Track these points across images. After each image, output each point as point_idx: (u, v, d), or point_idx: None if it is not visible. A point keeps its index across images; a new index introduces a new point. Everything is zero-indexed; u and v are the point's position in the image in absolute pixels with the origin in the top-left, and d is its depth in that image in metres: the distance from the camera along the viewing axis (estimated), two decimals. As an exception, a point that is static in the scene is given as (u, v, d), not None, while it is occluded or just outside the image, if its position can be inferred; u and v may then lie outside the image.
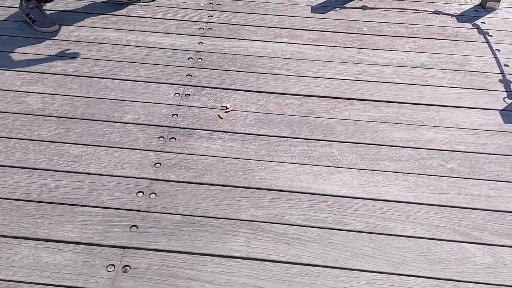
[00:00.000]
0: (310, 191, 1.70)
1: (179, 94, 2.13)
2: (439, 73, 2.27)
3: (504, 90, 2.16)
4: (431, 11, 2.75)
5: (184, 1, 2.80)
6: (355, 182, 1.73)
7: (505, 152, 1.86)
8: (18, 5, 2.62)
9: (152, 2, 2.75)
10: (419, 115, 2.04)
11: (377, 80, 2.23)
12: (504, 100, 2.10)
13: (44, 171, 1.73)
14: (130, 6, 2.71)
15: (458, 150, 1.87)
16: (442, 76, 2.25)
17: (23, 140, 1.85)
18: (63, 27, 2.52)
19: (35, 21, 2.45)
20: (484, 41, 2.51)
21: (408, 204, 1.65)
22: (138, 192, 1.67)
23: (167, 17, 2.64)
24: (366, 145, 1.89)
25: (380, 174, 1.76)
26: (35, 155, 1.79)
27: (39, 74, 2.19)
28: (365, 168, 1.78)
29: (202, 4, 2.77)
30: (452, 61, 2.36)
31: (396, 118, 2.02)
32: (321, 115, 2.04)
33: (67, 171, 1.73)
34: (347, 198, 1.67)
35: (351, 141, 1.91)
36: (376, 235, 1.55)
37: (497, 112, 2.04)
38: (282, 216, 1.61)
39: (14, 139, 1.85)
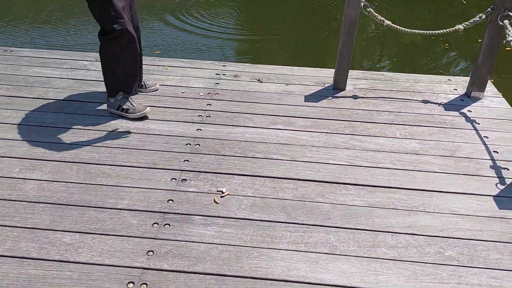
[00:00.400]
0: (307, 281, 1.65)
1: (176, 180, 2.15)
2: (430, 159, 2.32)
3: (496, 176, 2.20)
4: (419, 100, 2.89)
5: (184, 91, 2.94)
6: (353, 271, 1.69)
7: (502, 239, 1.84)
8: (17, 94, 2.74)
9: (154, 92, 2.89)
10: (413, 200, 2.05)
11: (370, 166, 2.27)
12: (496, 186, 2.13)
13: (34, 260, 1.69)
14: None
15: (455, 237, 1.85)
16: (433, 162, 2.30)
17: (16, 228, 1.83)
18: (65, 114, 2.61)
19: (128, 110, 2.59)
20: (472, 128, 2.60)
21: (409, 294, 1.60)
22: (129, 282, 1.62)
23: (168, 106, 2.76)
24: (362, 231, 1.87)
25: (378, 262, 1.72)
26: (26, 244, 1.75)
27: (38, 160, 2.22)
28: (363, 256, 1.75)
29: (201, 94, 2.91)
30: (443, 148, 2.42)
31: (391, 203, 2.03)
32: (317, 199, 2.05)
33: (58, 260, 1.69)
34: (345, 288, 1.62)
35: (347, 226, 1.89)
36: (377, 329, 1.48)
37: (491, 198, 2.06)
38: (278, 308, 1.54)
39: (6, 227, 1.83)
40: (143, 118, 2.60)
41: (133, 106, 2.60)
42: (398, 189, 2.12)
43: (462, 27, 2.72)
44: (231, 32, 5.44)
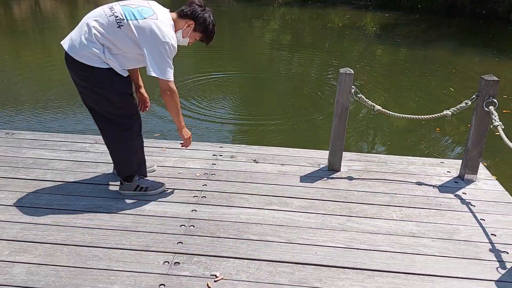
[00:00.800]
0: None
1: (168, 263, 2.09)
2: (428, 242, 2.29)
3: (496, 259, 2.16)
4: (413, 182, 2.92)
5: (181, 171, 2.97)
6: None
7: (510, 328, 1.75)
8: (14, 176, 2.76)
9: (151, 172, 2.91)
10: (413, 285, 1.98)
11: (368, 248, 2.23)
12: (497, 270, 2.08)
13: None
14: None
15: (460, 325, 1.76)
16: (432, 245, 2.26)
17: (-2, 315, 1.74)
18: (61, 195, 2.61)
19: (148, 188, 2.64)
20: (468, 210, 2.60)
21: None
22: None
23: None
24: (362, 319, 1.78)
25: None
26: (8, 332, 1.66)
27: (29, 243, 2.18)
28: None
29: (197, 174, 2.94)
30: (440, 230, 2.40)
31: (391, 289, 1.96)
32: (314, 284, 1.98)
33: None
34: None
35: (346, 315, 1.81)
36: None
37: (493, 283, 2.00)
38: None
39: (-12, 314, 1.74)
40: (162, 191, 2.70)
41: (152, 183, 2.67)
42: (398, 274, 2.06)
43: (450, 113, 2.84)
44: (228, 116, 5.63)
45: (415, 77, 7.60)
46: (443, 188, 2.86)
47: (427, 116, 2.90)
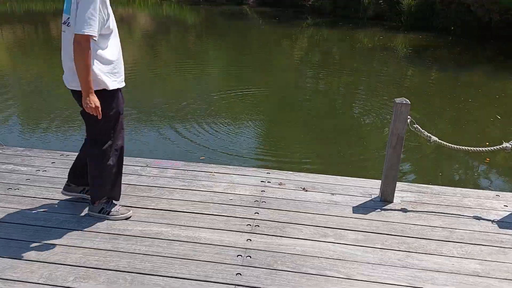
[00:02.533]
0: None
1: (230, 295, 2.08)
2: (495, 283, 2.21)
3: None
4: (470, 216, 2.84)
5: (231, 198, 2.98)
6: None
7: None
8: (77, 199, 2.83)
9: (201, 198, 2.93)
10: (486, 330, 1.91)
11: (432, 288, 2.17)
12: None
13: None
14: (181, 202, 2.88)
15: None
16: (498, 286, 2.18)
17: None
18: (119, 221, 2.65)
19: (110, 212, 2.64)
20: (533, 248, 2.51)
21: None
22: None
23: (216, 213, 2.78)
24: None
25: None
26: None
27: (93, 269, 2.21)
28: None
29: (248, 202, 2.94)
30: (505, 270, 2.32)
31: (462, 333, 1.89)
32: (380, 325, 1.93)
33: None
34: None
35: None
36: None
37: None
38: None
39: None
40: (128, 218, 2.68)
41: (117, 208, 2.68)
42: (467, 316, 1.99)
43: (510, 146, 2.77)
44: (272, 140, 5.65)
45: (457, 103, 7.38)
46: (503, 223, 2.77)
47: (487, 148, 2.83)
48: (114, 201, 2.71)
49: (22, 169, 3.24)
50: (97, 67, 2.33)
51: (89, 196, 2.70)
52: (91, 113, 2.33)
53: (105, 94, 2.39)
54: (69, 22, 2.29)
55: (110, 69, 2.40)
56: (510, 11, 14.43)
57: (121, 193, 2.74)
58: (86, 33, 2.17)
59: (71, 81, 2.38)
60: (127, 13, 21.59)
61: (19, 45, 11.80)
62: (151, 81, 8.44)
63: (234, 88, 8.06)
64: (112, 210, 2.66)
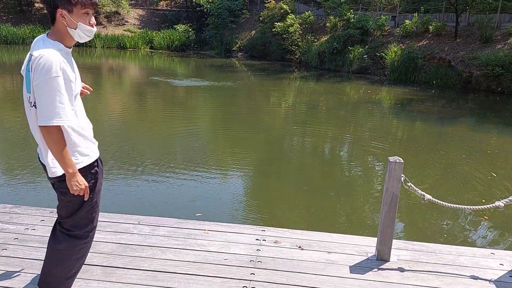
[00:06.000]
0: None
1: None
2: None
3: None
4: (467, 276, 2.81)
5: (226, 257, 2.92)
6: None
7: None
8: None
9: (197, 258, 2.86)
10: None
11: None
12: None
13: None
14: (175, 262, 2.80)
15: None
16: None
17: None
18: (110, 283, 2.55)
19: None
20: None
21: None
22: None
23: (211, 274, 2.70)
24: None
25: None
26: None
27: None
28: None
29: (243, 261, 2.87)
30: (508, 334, 2.27)
31: None
32: None
33: None
34: None
35: None
36: None
37: None
38: None
39: None
40: None
41: None
42: None
43: (503, 204, 2.81)
44: (268, 194, 5.63)
45: (449, 158, 7.42)
46: (500, 284, 2.74)
47: (478, 206, 2.86)
48: None
49: (10, 227, 3.15)
50: (74, 146, 2.11)
51: None
52: (79, 194, 2.10)
53: (86, 170, 2.17)
54: (35, 104, 2.00)
55: (84, 139, 2.17)
56: (489, 66, 15.18)
57: (113, 253, 2.66)
58: (55, 124, 1.96)
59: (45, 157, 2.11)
60: (117, 64, 22.02)
61: (3, 94, 11.84)
62: (137, 131, 8.48)
63: (224, 142, 8.12)
64: None
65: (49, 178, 2.16)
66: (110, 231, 3.17)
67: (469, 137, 9.09)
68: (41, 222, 3.25)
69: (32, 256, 2.79)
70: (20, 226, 3.17)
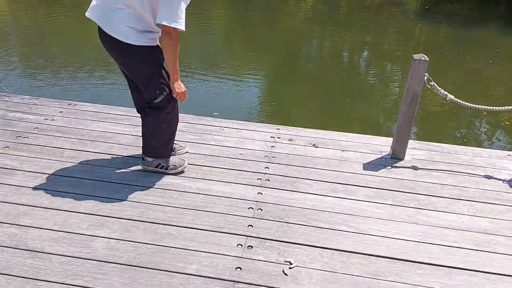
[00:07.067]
0: None
1: (242, 246, 2.10)
2: (505, 241, 2.23)
3: None
4: (481, 175, 2.83)
5: (241, 152, 2.96)
6: None
7: None
8: (82, 148, 2.81)
9: (211, 152, 2.91)
10: (494, 286, 1.94)
11: (442, 244, 2.19)
12: None
13: (106, 325, 1.63)
14: (192, 155, 2.87)
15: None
16: (509, 244, 2.20)
17: (87, 288, 1.79)
18: (130, 171, 2.64)
19: (169, 167, 2.62)
20: (543, 208, 2.51)
21: None
22: None
23: (227, 167, 2.77)
24: (445, 317, 1.76)
25: None
26: (98, 306, 1.71)
27: (106, 218, 2.22)
28: None
29: (259, 157, 2.92)
30: (516, 228, 2.33)
31: (471, 288, 1.92)
32: (390, 278, 1.96)
33: (130, 327, 1.63)
34: None
35: (428, 311, 1.79)
36: None
37: None
38: None
39: (78, 287, 1.80)
40: (181, 172, 2.66)
41: (173, 163, 2.64)
42: (476, 272, 2.01)
43: (528, 105, 2.71)
44: (284, 96, 5.57)
45: (476, 63, 7.06)
46: (514, 183, 2.76)
47: (504, 107, 2.77)
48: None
49: (30, 117, 3.21)
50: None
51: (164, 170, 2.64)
52: (178, 98, 2.41)
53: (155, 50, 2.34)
54: None
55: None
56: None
57: (131, 144, 2.71)
58: (177, 28, 2.14)
59: (116, 32, 2.22)
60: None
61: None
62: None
63: (240, 43, 7.86)
64: (170, 164, 2.63)
65: (116, 55, 2.32)
66: (128, 124, 3.21)
67: (498, 42, 8.62)
68: (59, 113, 3.30)
69: (53, 145, 2.87)
70: (39, 117, 3.23)
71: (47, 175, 2.54)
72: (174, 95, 2.39)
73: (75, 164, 2.67)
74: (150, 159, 2.60)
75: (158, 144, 2.55)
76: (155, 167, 2.62)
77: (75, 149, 2.83)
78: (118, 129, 3.11)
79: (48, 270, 1.87)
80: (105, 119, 3.25)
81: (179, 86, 2.37)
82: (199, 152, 2.91)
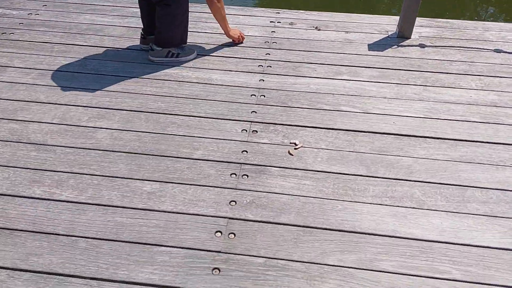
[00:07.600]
0: (397, 235, 1.60)
1: (246, 131, 2.08)
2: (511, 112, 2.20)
3: None
4: (491, 50, 2.71)
5: (240, 38, 2.82)
6: (445, 226, 1.62)
7: None
8: (73, 42, 2.67)
9: (208, 40, 2.77)
10: (499, 155, 1.95)
11: (448, 118, 2.16)
12: None
13: (118, 208, 1.67)
14: (188, 42, 2.73)
15: (549, 192, 1.76)
16: (516, 115, 2.18)
17: (95, 176, 1.81)
18: (124, 63, 2.54)
19: (179, 54, 2.56)
20: (553, 79, 2.44)
21: (507, 251, 1.54)
22: (216, 231, 1.60)
23: (226, 55, 2.65)
24: (449, 185, 1.79)
25: (471, 218, 1.66)
26: (108, 192, 1.74)
27: (105, 110, 2.18)
28: (453, 211, 1.68)
29: (258, 43, 2.78)
30: (524, 100, 2.28)
31: (476, 158, 1.93)
32: (395, 153, 1.96)
33: (142, 208, 1.67)
34: (440, 243, 1.56)
35: (432, 181, 1.81)
36: (478, 285, 1.43)
37: None
38: (372, 262, 1.50)
39: (86, 175, 1.81)
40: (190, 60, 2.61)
41: (183, 50, 2.57)
42: (482, 143, 2.01)
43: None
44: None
45: None
46: (524, 56, 2.66)
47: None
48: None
49: (13, 12, 3.01)
50: None
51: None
52: (239, 41, 2.74)
53: None
54: None
55: None
56: None
57: (123, 36, 2.57)
58: None
59: None
60: None
61: None
62: None
63: None
64: (180, 52, 2.56)
65: None
66: (117, 15, 3.02)
67: None
68: (43, 7, 3.09)
69: (41, 40, 2.72)
70: (22, 12, 3.03)
71: (40, 70, 2.44)
72: (235, 40, 2.72)
73: (66, 58, 2.56)
74: (159, 48, 2.52)
75: (173, 34, 2.48)
76: (165, 56, 2.54)
77: (65, 43, 2.69)
78: (106, 21, 2.93)
79: (55, 161, 1.87)
80: (92, 10, 3.05)
81: (234, 33, 2.70)
82: (194, 41, 2.77)
